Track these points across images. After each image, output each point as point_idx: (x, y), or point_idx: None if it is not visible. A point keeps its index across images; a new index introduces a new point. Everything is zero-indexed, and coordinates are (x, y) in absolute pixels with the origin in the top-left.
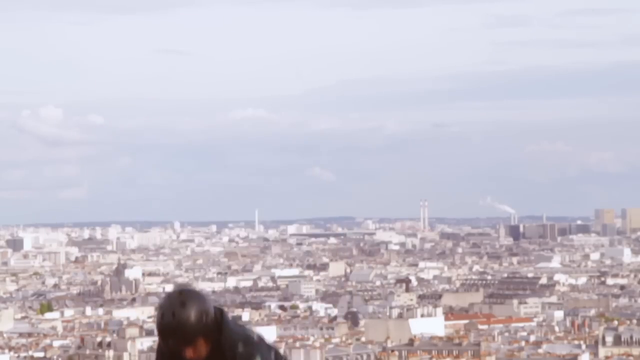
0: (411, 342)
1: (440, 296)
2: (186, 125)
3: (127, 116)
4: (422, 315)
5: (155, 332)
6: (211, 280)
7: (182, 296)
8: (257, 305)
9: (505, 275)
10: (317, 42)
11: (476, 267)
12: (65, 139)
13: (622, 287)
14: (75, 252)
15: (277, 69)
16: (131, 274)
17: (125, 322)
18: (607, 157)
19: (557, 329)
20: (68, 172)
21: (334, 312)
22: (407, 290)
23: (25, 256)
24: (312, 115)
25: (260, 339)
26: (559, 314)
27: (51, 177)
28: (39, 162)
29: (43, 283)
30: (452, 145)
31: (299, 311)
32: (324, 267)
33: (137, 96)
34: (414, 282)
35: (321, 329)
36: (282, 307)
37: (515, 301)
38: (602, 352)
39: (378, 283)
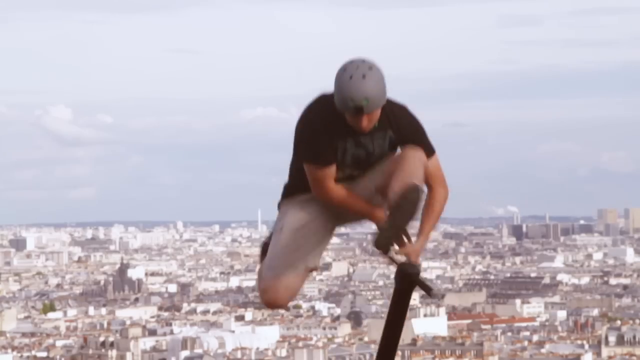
0: (414, 342)
1: (443, 296)
2: (197, 124)
3: (138, 115)
4: (425, 315)
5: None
6: (214, 280)
7: (368, 62)
8: (260, 305)
9: (508, 274)
10: (329, 41)
11: (479, 267)
12: (77, 139)
13: (625, 287)
14: (78, 251)
15: (287, 67)
16: (134, 273)
17: (128, 322)
18: (618, 156)
19: (560, 328)
20: (79, 172)
21: (337, 311)
22: None
23: (28, 256)
24: None
25: None
26: (561, 314)
27: (62, 177)
28: (50, 162)
29: (46, 283)
30: (463, 145)
31: (302, 311)
32: (327, 266)
33: (147, 95)
34: None
35: (324, 328)
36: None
37: (518, 301)
38: (605, 352)
39: (381, 283)
